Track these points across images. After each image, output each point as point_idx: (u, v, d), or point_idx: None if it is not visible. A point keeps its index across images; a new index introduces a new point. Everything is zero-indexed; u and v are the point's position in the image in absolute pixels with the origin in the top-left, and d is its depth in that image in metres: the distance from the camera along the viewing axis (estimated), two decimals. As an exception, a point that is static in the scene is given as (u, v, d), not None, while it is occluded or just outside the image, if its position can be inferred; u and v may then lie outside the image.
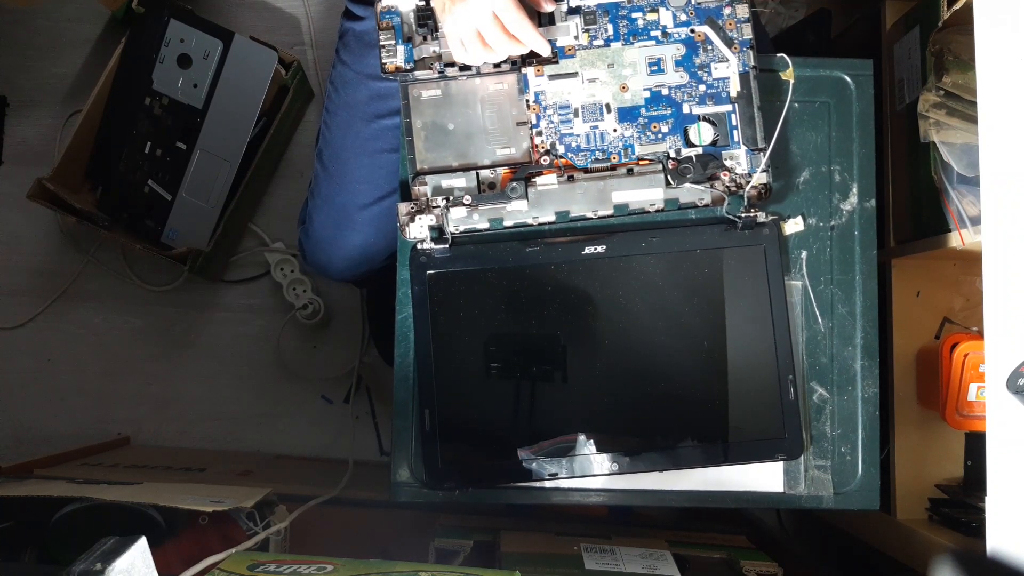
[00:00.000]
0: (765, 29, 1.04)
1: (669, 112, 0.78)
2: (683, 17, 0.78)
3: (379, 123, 0.85)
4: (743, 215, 0.78)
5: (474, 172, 0.77)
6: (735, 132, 0.78)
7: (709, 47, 0.78)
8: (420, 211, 0.77)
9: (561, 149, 0.78)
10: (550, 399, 0.78)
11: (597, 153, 0.78)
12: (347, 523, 0.98)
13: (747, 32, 0.78)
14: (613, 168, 0.78)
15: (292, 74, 1.23)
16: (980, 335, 0.83)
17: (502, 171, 0.78)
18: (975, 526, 0.81)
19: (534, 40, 0.72)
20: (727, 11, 0.78)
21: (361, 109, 0.86)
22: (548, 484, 0.78)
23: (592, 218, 0.78)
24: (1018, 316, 0.64)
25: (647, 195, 0.77)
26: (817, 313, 0.80)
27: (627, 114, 0.78)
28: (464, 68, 0.76)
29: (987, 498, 0.64)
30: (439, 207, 0.77)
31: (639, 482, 0.78)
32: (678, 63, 0.78)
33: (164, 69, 1.18)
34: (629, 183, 0.77)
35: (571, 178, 0.77)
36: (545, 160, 0.78)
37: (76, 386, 1.33)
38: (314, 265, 0.96)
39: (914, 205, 0.90)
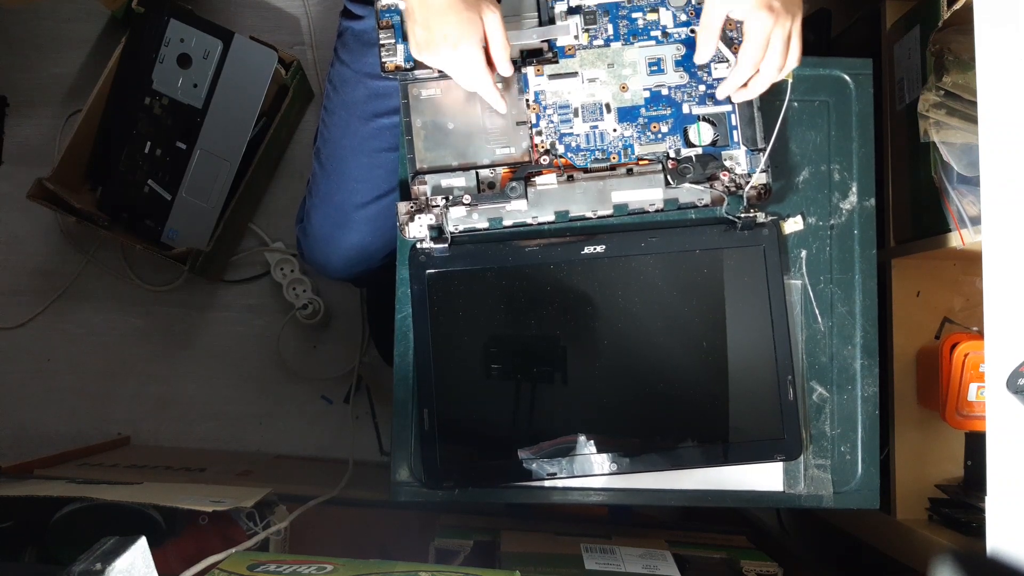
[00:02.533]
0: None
1: (669, 112, 0.78)
2: (683, 17, 0.78)
3: (377, 122, 0.85)
4: (742, 215, 0.78)
5: (474, 171, 0.77)
6: (735, 132, 0.78)
7: (709, 47, 0.78)
8: (419, 210, 0.77)
9: (561, 149, 0.78)
10: (549, 399, 0.78)
11: (597, 153, 0.78)
12: (347, 523, 0.98)
13: (747, 32, 0.77)
14: (613, 168, 0.78)
15: (292, 74, 1.23)
16: (980, 335, 0.83)
17: (502, 171, 0.78)
18: (975, 526, 0.81)
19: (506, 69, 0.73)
20: (727, 11, 0.78)
21: (359, 108, 0.85)
22: (548, 484, 0.78)
23: (591, 218, 0.78)
24: (1018, 316, 0.64)
25: (646, 195, 0.77)
26: (817, 312, 0.80)
27: (627, 114, 0.78)
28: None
29: (987, 498, 0.64)
30: (438, 206, 0.77)
31: (639, 482, 0.78)
32: (678, 63, 0.78)
33: (164, 69, 1.18)
34: (629, 183, 0.77)
35: (571, 178, 0.77)
36: (545, 160, 0.78)
37: (76, 386, 1.33)
38: (312, 263, 0.96)
39: (914, 205, 0.90)
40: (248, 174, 1.22)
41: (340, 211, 0.89)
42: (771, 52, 0.69)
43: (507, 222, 0.78)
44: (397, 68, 0.76)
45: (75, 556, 0.50)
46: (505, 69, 0.72)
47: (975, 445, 0.90)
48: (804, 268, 0.80)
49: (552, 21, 0.78)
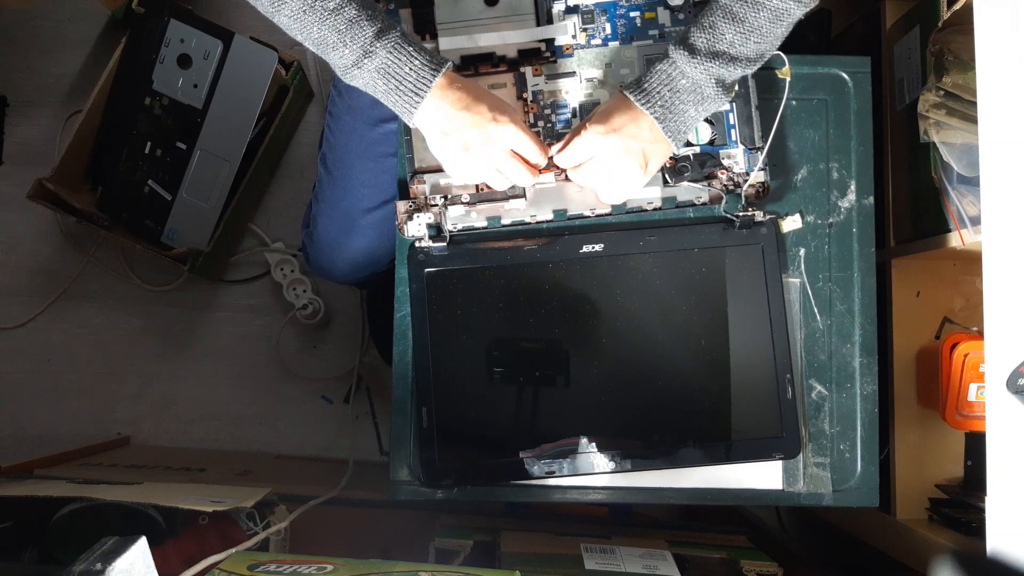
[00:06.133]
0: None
1: (668, 111, 0.78)
2: (682, 16, 0.78)
3: (383, 127, 0.85)
4: (741, 214, 0.78)
5: (473, 171, 0.77)
6: (732, 131, 0.78)
7: (708, 46, 0.77)
8: (418, 209, 0.77)
9: (560, 148, 0.78)
10: (547, 397, 0.78)
11: (596, 152, 0.78)
12: (347, 523, 0.98)
13: (746, 31, 0.77)
14: (612, 167, 0.78)
15: (292, 74, 1.23)
16: (980, 335, 0.83)
17: (501, 170, 0.77)
18: (975, 526, 0.81)
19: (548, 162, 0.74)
20: (726, 10, 0.77)
21: (365, 113, 0.85)
22: (547, 483, 0.78)
23: (590, 216, 0.78)
24: (1018, 316, 0.64)
25: (645, 193, 0.77)
26: (816, 310, 0.80)
27: (626, 113, 0.78)
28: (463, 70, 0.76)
29: (987, 498, 0.64)
30: (437, 205, 0.77)
31: (638, 480, 0.78)
32: (677, 62, 0.78)
33: (164, 69, 1.18)
34: (628, 182, 0.77)
35: (569, 176, 0.77)
36: (544, 159, 0.78)
37: (76, 386, 1.33)
38: (318, 269, 0.95)
39: (914, 205, 0.90)
40: (248, 174, 1.22)
41: (347, 216, 0.89)
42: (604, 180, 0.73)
43: (505, 221, 0.78)
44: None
45: (75, 556, 0.50)
46: (542, 161, 0.73)
47: (975, 445, 0.89)
48: (803, 266, 0.80)
49: (550, 20, 0.78)
